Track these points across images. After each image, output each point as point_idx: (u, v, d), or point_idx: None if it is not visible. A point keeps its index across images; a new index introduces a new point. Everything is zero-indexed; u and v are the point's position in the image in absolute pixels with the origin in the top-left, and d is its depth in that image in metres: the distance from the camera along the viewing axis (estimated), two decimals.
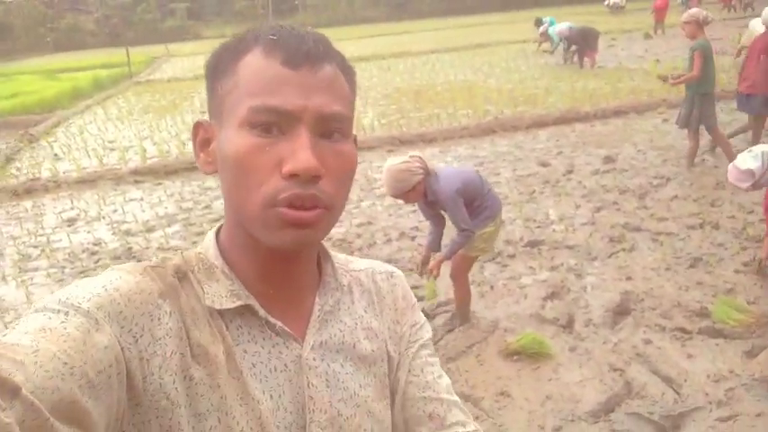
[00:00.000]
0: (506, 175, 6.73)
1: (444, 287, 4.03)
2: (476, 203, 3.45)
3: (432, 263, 3.59)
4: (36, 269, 5.25)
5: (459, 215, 3.37)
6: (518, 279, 4.31)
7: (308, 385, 0.70)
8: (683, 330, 3.51)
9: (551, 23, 16.76)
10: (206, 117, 0.75)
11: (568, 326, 3.68)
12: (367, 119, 10.25)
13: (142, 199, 7.05)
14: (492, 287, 4.21)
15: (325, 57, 0.67)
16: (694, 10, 6.14)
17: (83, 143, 10.30)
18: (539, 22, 17.17)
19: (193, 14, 52.75)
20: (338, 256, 0.83)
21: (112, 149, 9.67)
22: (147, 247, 5.50)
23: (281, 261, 0.70)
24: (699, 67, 5.92)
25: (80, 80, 18.42)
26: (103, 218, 6.47)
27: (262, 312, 0.69)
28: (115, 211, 6.68)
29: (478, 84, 12.98)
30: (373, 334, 0.79)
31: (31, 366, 0.49)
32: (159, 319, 0.64)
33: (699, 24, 5.96)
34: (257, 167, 0.63)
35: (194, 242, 5.52)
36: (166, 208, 6.64)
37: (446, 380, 0.83)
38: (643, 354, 3.33)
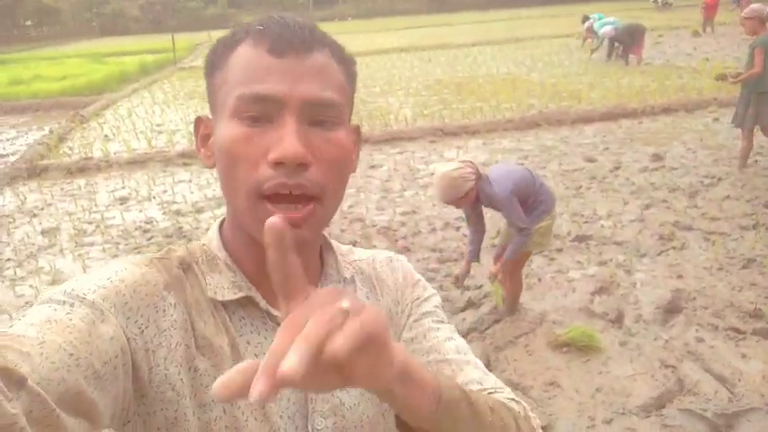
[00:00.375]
0: (552, 170, 6.68)
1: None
2: (530, 200, 3.46)
3: (495, 267, 3.62)
4: (92, 244, 5.44)
5: (515, 215, 3.38)
6: (566, 273, 4.30)
7: None
8: (736, 330, 3.46)
9: (599, 18, 16.46)
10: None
11: (618, 321, 3.67)
12: (408, 109, 10.27)
13: (190, 181, 7.22)
14: (540, 279, 4.21)
15: (314, 44, 0.66)
16: (756, 5, 5.97)
17: (131, 125, 10.58)
18: (585, 19, 16.85)
19: (234, 3, 53.36)
20: (341, 248, 0.83)
21: (160, 132, 9.90)
22: (197, 228, 5.64)
23: None
24: (760, 64, 5.77)
25: (127, 64, 18.87)
26: (154, 198, 6.66)
27: (263, 304, 0.70)
28: (165, 191, 6.86)
29: (521, 77, 12.86)
30: None
31: (38, 358, 0.49)
32: (164, 310, 0.65)
33: (761, 20, 5.81)
34: (245, 157, 0.63)
35: None
36: (214, 190, 6.79)
37: (457, 342, 0.78)
38: (695, 352, 3.30)
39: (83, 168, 7.91)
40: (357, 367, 0.46)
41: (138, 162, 8.03)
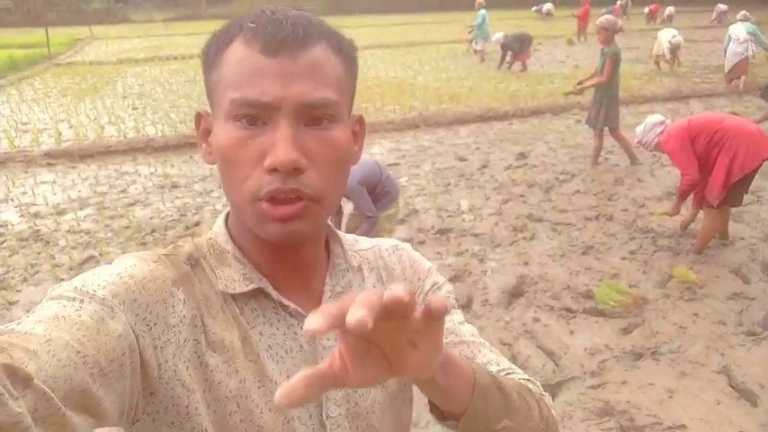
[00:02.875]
0: (426, 169, 6.97)
1: None
2: (377, 190, 3.80)
3: None
4: None
5: (363, 204, 3.69)
6: None
7: None
8: (568, 310, 3.81)
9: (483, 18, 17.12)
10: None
11: (467, 306, 3.92)
12: None
13: (54, 182, 6.82)
14: None
15: (308, 40, 0.64)
16: (611, 18, 6.55)
17: None
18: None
19: None
20: (346, 237, 0.83)
21: (25, 131, 9.25)
22: (57, 230, 5.36)
23: (288, 249, 0.70)
24: (609, 73, 6.36)
25: None
26: (11, 200, 6.23)
27: (275, 295, 0.70)
28: (24, 193, 6.45)
29: (408, 80, 13.24)
30: None
31: (44, 355, 0.49)
32: (173, 306, 0.65)
33: (612, 32, 6.37)
34: (242, 161, 0.64)
35: (107, 225, 5.43)
36: (80, 191, 6.46)
37: (470, 327, 0.82)
38: (531, 330, 3.60)
39: None
40: (411, 359, 0.50)
41: None
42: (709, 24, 25.64)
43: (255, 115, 0.63)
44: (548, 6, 29.99)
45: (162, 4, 45.72)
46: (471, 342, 0.79)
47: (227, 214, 0.76)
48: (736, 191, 4.29)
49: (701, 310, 3.76)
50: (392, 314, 0.45)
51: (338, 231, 0.81)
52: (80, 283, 0.60)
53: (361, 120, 0.77)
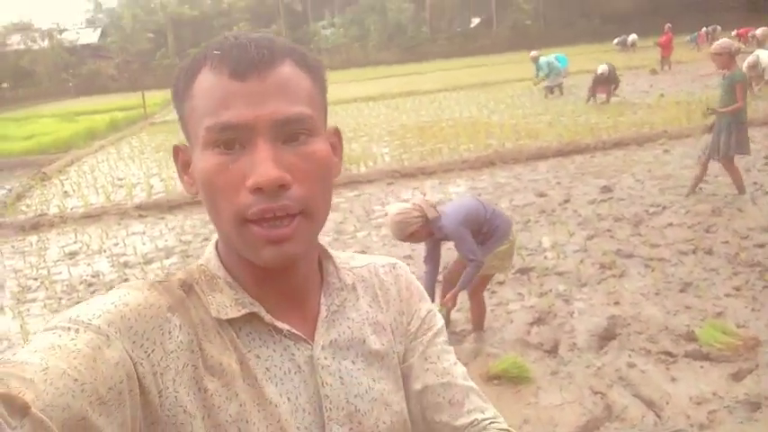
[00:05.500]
0: (503, 206, 6.73)
1: None
2: (484, 229, 3.60)
3: (448, 295, 3.70)
4: (34, 300, 5.32)
5: (465, 246, 3.52)
6: (506, 305, 4.29)
7: (323, 384, 0.70)
8: (668, 354, 3.46)
9: (560, 61, 16.94)
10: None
11: (552, 351, 3.64)
12: (370, 154, 10.38)
13: (144, 233, 7.16)
14: None
15: (274, 59, 0.65)
16: (724, 41, 6.13)
17: (93, 180, 10.54)
18: (536, 59, 17.32)
19: None
20: (339, 255, 0.82)
21: (121, 186, 9.87)
22: (144, 279, 5.56)
23: (280, 271, 0.70)
24: (743, 98, 5.91)
25: (96, 121, 18.94)
26: (104, 251, 6.57)
27: (267, 318, 0.69)
28: (116, 244, 6.79)
29: (482, 119, 13.12)
30: (381, 327, 0.79)
31: (41, 384, 0.49)
32: (170, 332, 0.64)
33: (731, 55, 5.98)
34: (223, 186, 0.63)
35: None
36: (166, 241, 6.73)
37: (462, 367, 0.82)
38: (626, 377, 3.28)
39: (36, 225, 7.82)
40: None
41: (92, 216, 7.96)
42: None
43: (232, 139, 0.63)
44: (632, 38, 29.19)
45: None
46: (463, 386, 0.79)
47: (217, 241, 0.75)
48: None
49: None
50: None
51: (330, 250, 0.80)
52: (75, 314, 0.59)
53: (337, 131, 0.76)
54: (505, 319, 4.06)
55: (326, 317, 0.74)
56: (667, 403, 3.02)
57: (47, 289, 5.55)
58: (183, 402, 0.62)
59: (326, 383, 0.71)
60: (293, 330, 0.70)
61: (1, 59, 47.52)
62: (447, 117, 14.16)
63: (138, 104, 23.61)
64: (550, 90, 15.87)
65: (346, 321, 0.76)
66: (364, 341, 0.76)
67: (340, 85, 29.78)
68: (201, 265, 0.74)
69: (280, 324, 0.70)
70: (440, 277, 3.96)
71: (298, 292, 0.74)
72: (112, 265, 6.04)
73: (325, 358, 0.72)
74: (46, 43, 50.58)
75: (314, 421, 0.69)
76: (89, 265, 6.15)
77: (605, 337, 3.72)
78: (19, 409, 0.45)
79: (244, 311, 0.69)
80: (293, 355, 0.70)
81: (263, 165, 0.61)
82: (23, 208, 9.04)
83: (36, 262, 6.39)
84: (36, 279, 5.86)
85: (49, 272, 6.02)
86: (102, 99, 36.80)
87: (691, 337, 3.58)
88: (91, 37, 55.08)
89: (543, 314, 4.06)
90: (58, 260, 6.41)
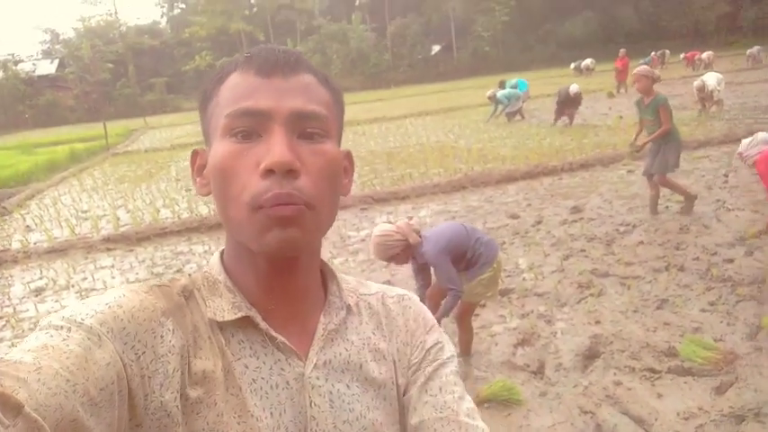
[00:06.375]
0: (477, 228, 6.81)
1: None
2: (468, 255, 3.57)
3: None
4: (0, 339, 5.10)
5: (444, 275, 3.50)
6: (489, 327, 4.30)
7: (311, 405, 0.68)
8: (651, 370, 3.51)
9: (520, 85, 17.41)
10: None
11: (539, 371, 3.66)
12: None
13: (113, 266, 6.97)
14: None
15: (299, 66, 0.68)
16: (647, 68, 6.42)
17: (56, 214, 10.24)
18: (503, 85, 17.80)
19: (172, 88, 53.85)
20: (349, 281, 0.82)
21: (85, 219, 9.61)
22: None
23: (281, 274, 0.70)
24: (668, 120, 6.15)
25: (57, 153, 18.48)
26: (72, 286, 6.36)
27: (263, 324, 0.68)
28: (85, 278, 6.59)
29: (449, 144, 13.30)
30: (381, 356, 0.76)
31: (34, 384, 0.48)
32: (162, 336, 0.63)
33: (653, 81, 6.23)
34: (238, 172, 0.64)
35: None
36: (137, 273, 6.57)
37: (469, 403, 0.76)
38: (613, 395, 3.31)
39: None
40: None
41: (58, 251, 7.71)
42: (747, 67, 25.24)
43: (250, 128, 0.65)
44: (587, 62, 30.20)
45: None
46: (466, 424, 0.73)
47: (223, 251, 0.76)
48: None
49: None
50: None
51: (336, 272, 0.80)
52: (69, 313, 0.60)
53: (349, 155, 0.78)
54: (490, 342, 4.08)
55: (323, 335, 0.72)
56: (656, 420, 3.06)
57: (13, 327, 5.33)
58: (169, 408, 0.61)
59: (315, 404, 0.68)
60: (286, 342, 0.69)
61: None
62: (414, 142, 14.32)
63: (98, 135, 23.19)
64: (512, 115, 16.25)
65: (345, 343, 0.74)
66: (361, 366, 0.74)
67: None
68: (206, 271, 0.74)
69: (274, 333, 0.68)
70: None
71: (297, 305, 0.73)
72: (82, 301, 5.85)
73: (317, 378, 0.70)
74: (0, 74, 49.41)
75: None
76: (57, 301, 5.94)
77: (589, 356, 3.76)
78: (12, 408, 0.44)
79: (239, 315, 0.68)
80: (283, 369, 0.68)
81: (277, 147, 0.63)
82: None
83: (0, 300, 6.14)
84: (1, 318, 5.62)
85: (14, 309, 5.78)
86: (60, 130, 36.01)
87: (672, 353, 3.65)
88: (48, 68, 54.07)
89: (527, 335, 4.09)
90: (23, 297, 6.17)
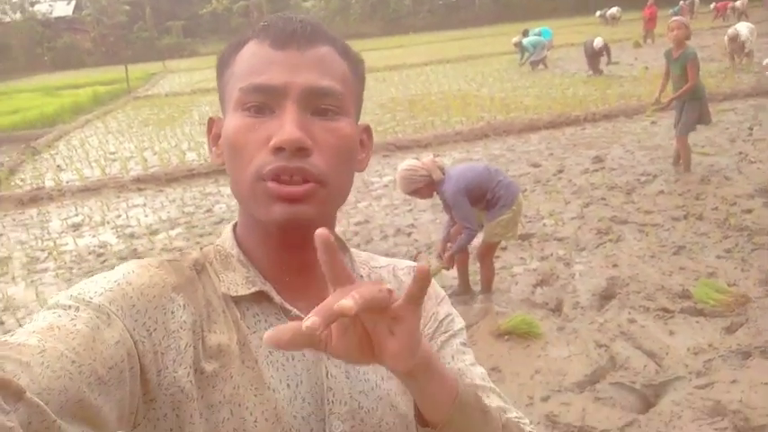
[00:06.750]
0: None
1: (448, 277, 4.20)
2: (488, 196, 3.73)
3: (445, 257, 3.93)
4: (45, 270, 5.41)
5: (460, 213, 3.67)
6: (510, 269, 4.49)
7: (327, 375, 0.69)
8: (665, 310, 3.69)
9: (544, 34, 17.11)
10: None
11: (557, 309, 3.86)
12: None
13: (145, 205, 7.23)
14: None
15: (315, 37, 0.67)
16: (682, 19, 6.29)
17: (84, 154, 10.50)
18: (526, 33, 17.48)
19: (189, 32, 53.23)
20: (360, 254, 0.83)
21: (114, 160, 9.86)
22: (152, 249, 5.67)
23: (294, 247, 0.69)
24: (695, 76, 6.00)
25: (80, 96, 18.69)
26: (108, 223, 6.65)
27: (277, 298, 0.69)
28: (119, 216, 6.86)
29: (472, 93, 13.24)
30: None
31: (38, 367, 0.48)
32: (173, 312, 0.64)
33: (688, 33, 6.10)
34: (248, 145, 0.64)
35: (197, 242, 5.70)
36: (169, 212, 6.82)
37: (480, 369, 0.78)
38: (627, 332, 3.51)
39: (35, 198, 7.83)
40: (388, 345, 0.53)
41: (91, 189, 7.99)
42: None
43: (263, 103, 0.65)
44: (613, 11, 29.30)
45: (226, 37, 47.68)
46: (481, 386, 0.75)
47: (236, 223, 0.76)
48: None
49: None
50: (372, 309, 0.50)
51: (348, 245, 0.80)
52: (77, 291, 0.60)
53: (368, 129, 0.77)
54: (510, 282, 4.27)
55: None
56: (667, 354, 3.25)
57: (55, 260, 5.63)
58: (182, 383, 0.62)
59: (331, 375, 0.69)
60: (301, 315, 0.67)
61: None
62: (436, 90, 14.25)
63: (118, 78, 23.27)
64: (536, 64, 16.04)
65: None
66: None
67: None
68: (218, 245, 0.74)
69: (289, 306, 0.69)
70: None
71: (310, 278, 0.72)
72: (118, 237, 6.13)
73: None
74: (18, 16, 49.15)
75: (313, 413, 0.67)
76: (94, 236, 6.23)
77: (606, 297, 3.95)
78: (14, 393, 0.44)
79: (254, 289, 0.68)
80: None
81: (288, 125, 0.62)
82: (18, 182, 9.01)
83: (40, 234, 6.45)
84: (43, 250, 5.93)
85: (55, 243, 6.09)
86: (79, 73, 36.04)
87: (686, 295, 3.82)
88: (65, 9, 53.57)
89: (546, 276, 4.28)
90: (62, 232, 6.48)
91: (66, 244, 6.07)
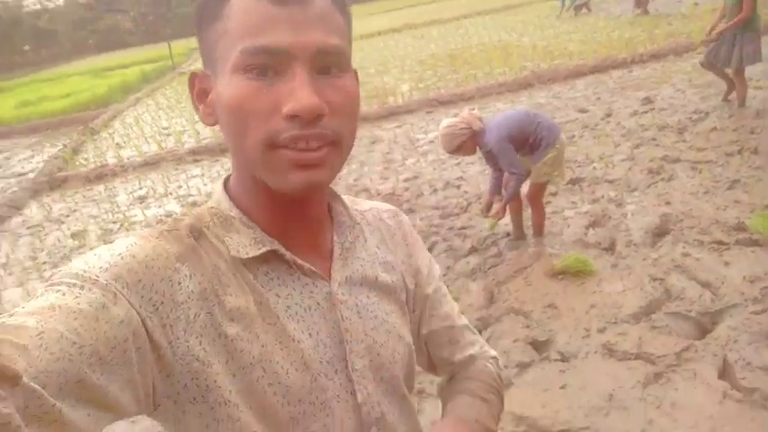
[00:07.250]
0: None
1: (500, 225, 4.33)
2: (530, 140, 3.81)
3: (495, 207, 4.03)
4: None
5: (506, 160, 3.75)
6: (561, 213, 4.57)
7: (342, 318, 0.72)
8: (720, 243, 3.72)
9: None
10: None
11: (610, 248, 3.94)
12: (405, 85, 10.50)
13: (203, 174, 7.57)
14: None
15: None
16: None
17: (140, 131, 10.95)
18: None
19: None
20: (344, 197, 0.84)
21: (168, 135, 10.26)
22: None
23: (295, 203, 0.70)
24: (750, 7, 5.79)
25: (128, 75, 19.26)
26: (170, 194, 7.01)
27: (288, 255, 0.69)
28: (180, 187, 7.22)
29: (513, 43, 13.01)
30: (390, 267, 0.83)
31: (36, 350, 0.48)
32: (179, 283, 0.63)
33: None
34: (256, 111, 0.61)
35: None
36: None
37: (455, 304, 0.92)
38: (682, 265, 3.57)
39: (100, 175, 8.30)
40: None
41: (151, 164, 8.40)
42: None
43: (267, 65, 0.61)
44: None
45: None
46: (459, 326, 0.91)
47: (225, 180, 0.75)
48: None
49: None
50: None
51: (335, 191, 0.81)
52: (81, 268, 0.58)
53: (356, 74, 0.74)
54: (562, 225, 4.36)
55: (341, 254, 0.76)
56: (723, 283, 3.31)
57: (127, 230, 6.02)
58: (196, 351, 0.62)
59: (346, 318, 0.73)
60: (312, 268, 0.71)
61: (19, 22, 47.62)
62: (476, 43, 14.05)
63: (162, 56, 23.83)
64: (579, 8, 15.55)
65: (358, 259, 0.78)
66: (376, 278, 0.79)
67: (360, 18, 29.31)
68: (212, 207, 0.72)
69: (300, 261, 0.70)
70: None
71: (312, 231, 0.74)
72: (182, 206, 6.48)
73: (343, 294, 0.74)
74: (61, 1, 50.42)
75: (335, 355, 0.71)
76: (160, 207, 6.60)
77: (659, 234, 4.00)
78: (10, 378, 0.43)
79: (264, 249, 0.68)
80: (312, 292, 0.71)
81: (304, 91, 0.60)
82: (82, 161, 9.52)
83: (110, 207, 6.87)
84: (115, 222, 6.33)
85: (124, 215, 6.49)
86: (123, 53, 36.94)
87: (741, 228, 3.83)
88: None
89: (598, 218, 4.34)
90: (130, 204, 6.88)
91: (135, 215, 6.45)
